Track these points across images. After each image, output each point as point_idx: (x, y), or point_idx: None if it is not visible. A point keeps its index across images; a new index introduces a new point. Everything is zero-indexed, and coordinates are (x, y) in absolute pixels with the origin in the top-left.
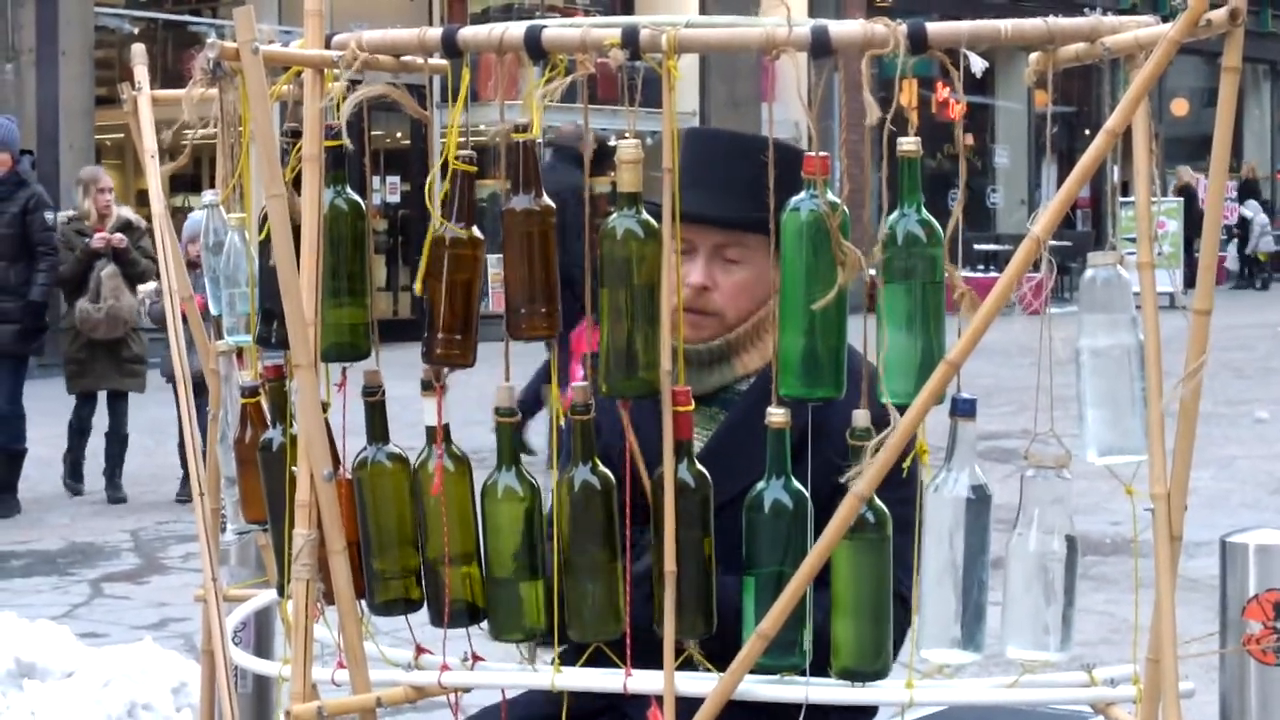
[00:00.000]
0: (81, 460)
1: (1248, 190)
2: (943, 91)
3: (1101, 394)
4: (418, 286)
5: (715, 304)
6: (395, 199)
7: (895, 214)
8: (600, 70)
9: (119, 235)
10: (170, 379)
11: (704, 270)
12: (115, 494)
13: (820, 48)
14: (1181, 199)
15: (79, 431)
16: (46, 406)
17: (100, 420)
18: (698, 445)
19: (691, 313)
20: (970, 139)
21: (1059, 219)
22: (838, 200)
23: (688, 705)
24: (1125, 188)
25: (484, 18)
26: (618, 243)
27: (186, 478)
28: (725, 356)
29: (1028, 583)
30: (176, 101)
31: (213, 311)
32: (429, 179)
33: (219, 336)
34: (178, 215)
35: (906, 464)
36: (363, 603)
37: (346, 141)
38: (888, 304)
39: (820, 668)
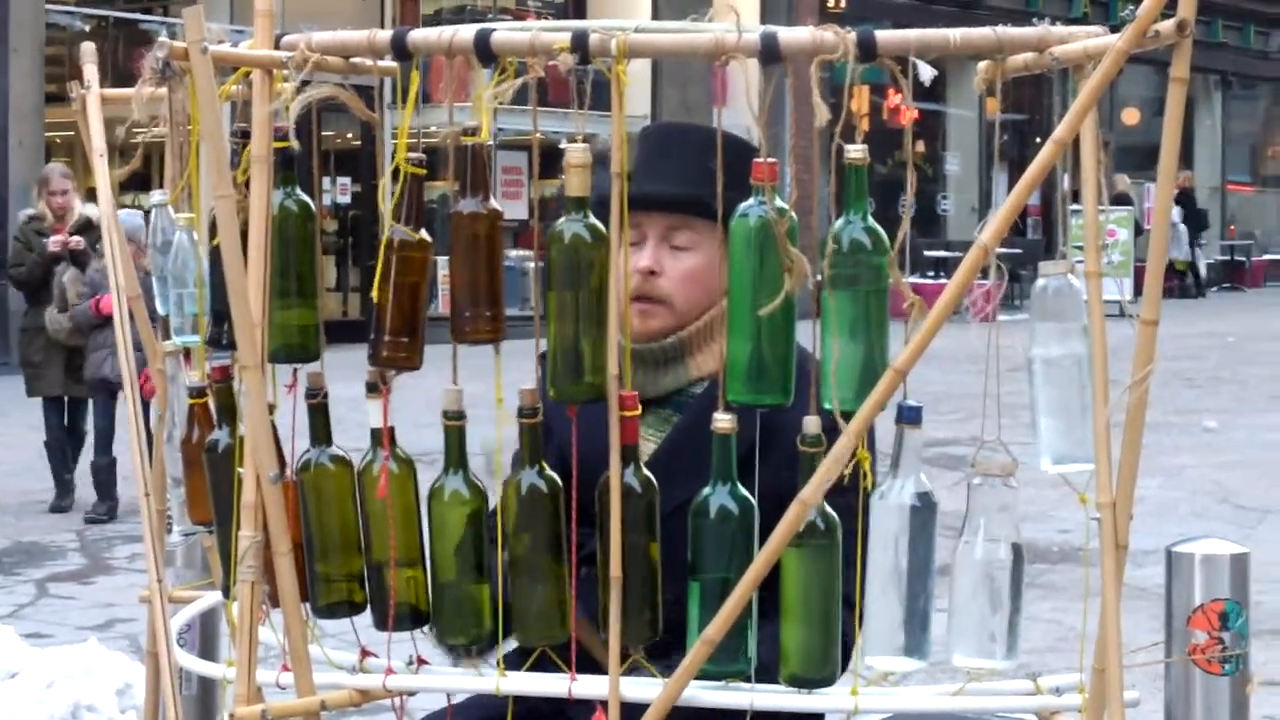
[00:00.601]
0: (69, 481)
1: (1180, 200)
2: (894, 98)
3: (1054, 403)
4: (375, 293)
5: (662, 290)
6: (345, 199)
7: (841, 221)
8: (551, 73)
9: (76, 238)
10: (96, 385)
11: (652, 255)
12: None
13: (769, 54)
14: (1130, 208)
15: (50, 443)
16: None
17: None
18: (650, 448)
19: (639, 300)
20: (921, 146)
21: (1007, 227)
22: (786, 206)
23: (633, 711)
24: (1076, 196)
25: (436, 19)
26: (565, 246)
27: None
28: (679, 356)
29: (974, 590)
30: (126, 100)
31: (160, 312)
32: (380, 182)
33: (166, 337)
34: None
35: (848, 471)
36: (307, 605)
37: (294, 143)
38: (832, 311)
39: (766, 674)
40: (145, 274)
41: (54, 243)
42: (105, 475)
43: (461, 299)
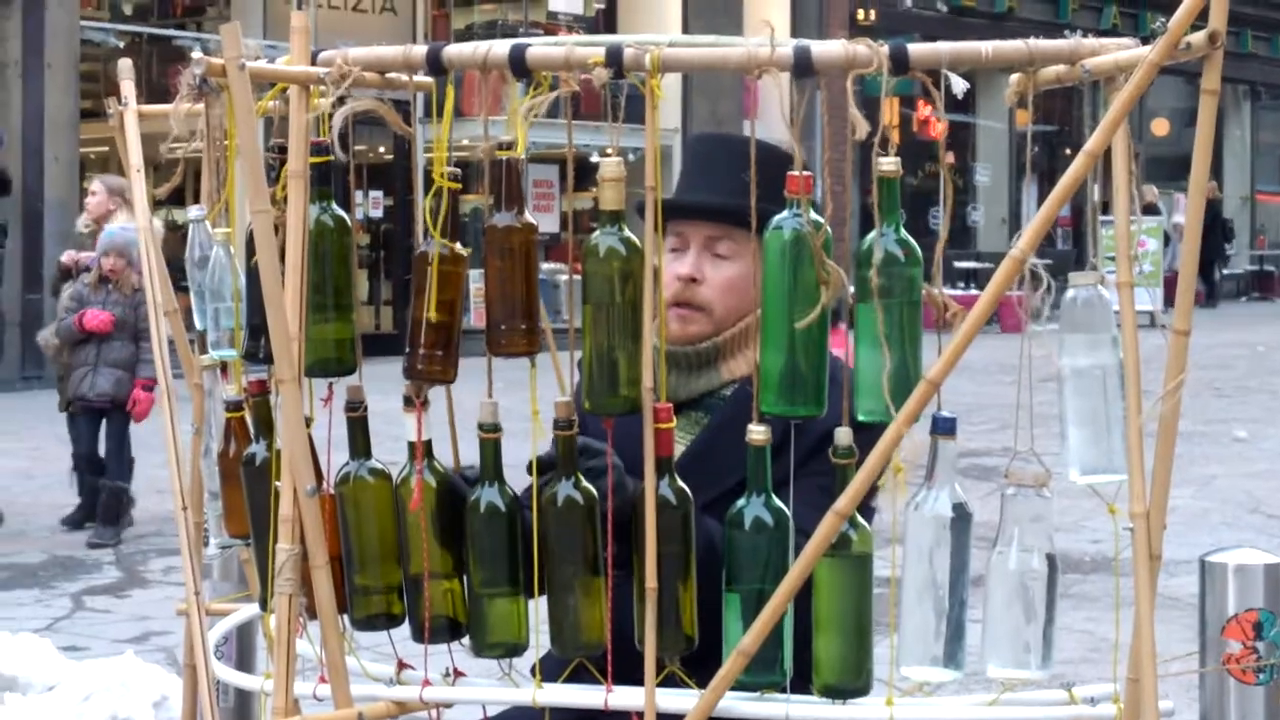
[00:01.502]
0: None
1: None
2: (924, 110)
3: (1083, 413)
4: (432, 313)
5: (702, 297)
6: (378, 213)
7: (874, 233)
8: (583, 87)
9: (87, 254)
10: (76, 404)
11: (693, 263)
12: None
13: (802, 68)
14: (1160, 218)
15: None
16: (24, 419)
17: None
18: (680, 449)
19: (680, 306)
20: (951, 157)
21: (1039, 239)
22: (821, 219)
23: None
24: (1106, 207)
25: (468, 34)
26: (600, 260)
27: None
28: (712, 361)
29: (1008, 601)
30: (162, 116)
31: (197, 326)
32: (426, 196)
33: (203, 351)
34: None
35: (883, 481)
36: (344, 617)
37: (339, 154)
38: (865, 323)
39: (800, 685)
40: (135, 290)
41: (66, 256)
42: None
43: (497, 312)
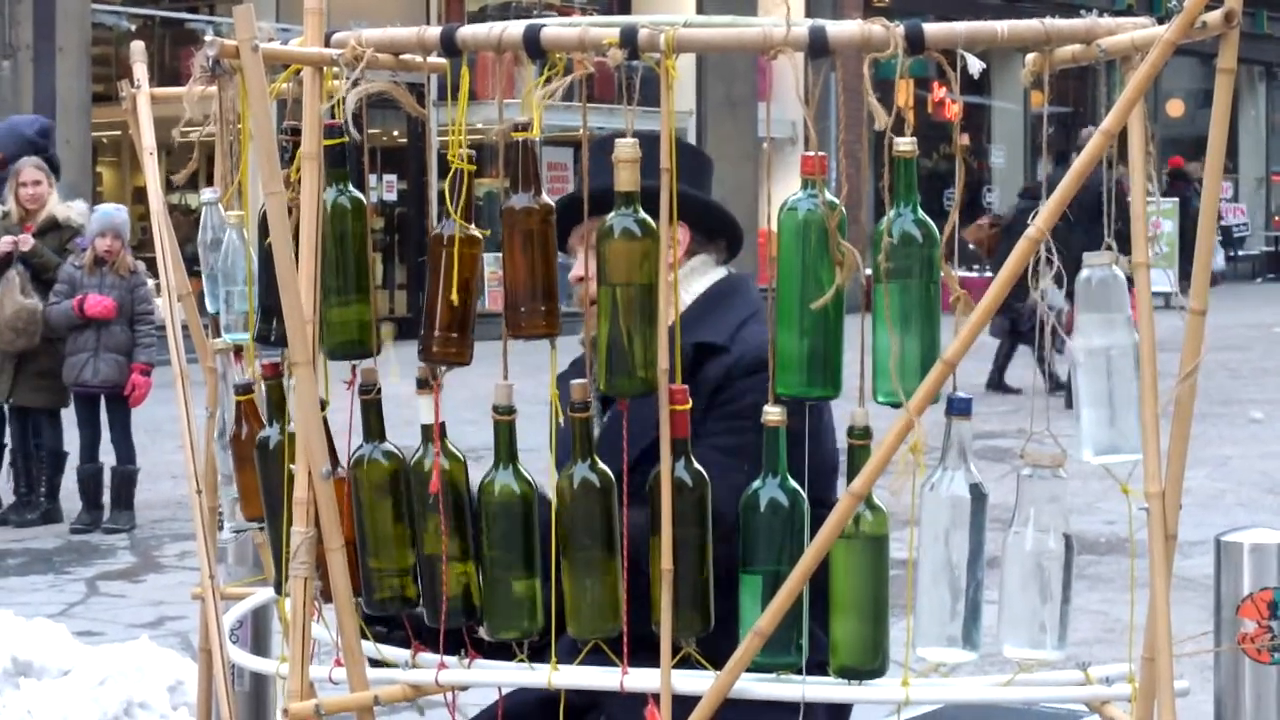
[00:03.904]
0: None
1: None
2: (939, 91)
3: (1097, 394)
4: (454, 294)
5: (594, 292)
6: (392, 197)
7: (891, 214)
8: (598, 69)
9: (24, 237)
10: (76, 391)
11: (580, 263)
12: (39, 509)
13: (818, 48)
14: (1176, 199)
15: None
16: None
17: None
18: (598, 425)
19: (593, 305)
20: (966, 139)
21: (1055, 218)
22: (835, 200)
23: (684, 703)
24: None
25: (481, 16)
26: (615, 242)
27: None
28: None
29: (1024, 582)
30: (175, 99)
31: (210, 309)
32: (444, 179)
33: (216, 334)
34: (174, 212)
35: (903, 459)
36: (359, 600)
37: (354, 135)
38: (883, 304)
39: (815, 666)
40: (131, 272)
41: (5, 242)
42: (91, 484)
43: (516, 294)
